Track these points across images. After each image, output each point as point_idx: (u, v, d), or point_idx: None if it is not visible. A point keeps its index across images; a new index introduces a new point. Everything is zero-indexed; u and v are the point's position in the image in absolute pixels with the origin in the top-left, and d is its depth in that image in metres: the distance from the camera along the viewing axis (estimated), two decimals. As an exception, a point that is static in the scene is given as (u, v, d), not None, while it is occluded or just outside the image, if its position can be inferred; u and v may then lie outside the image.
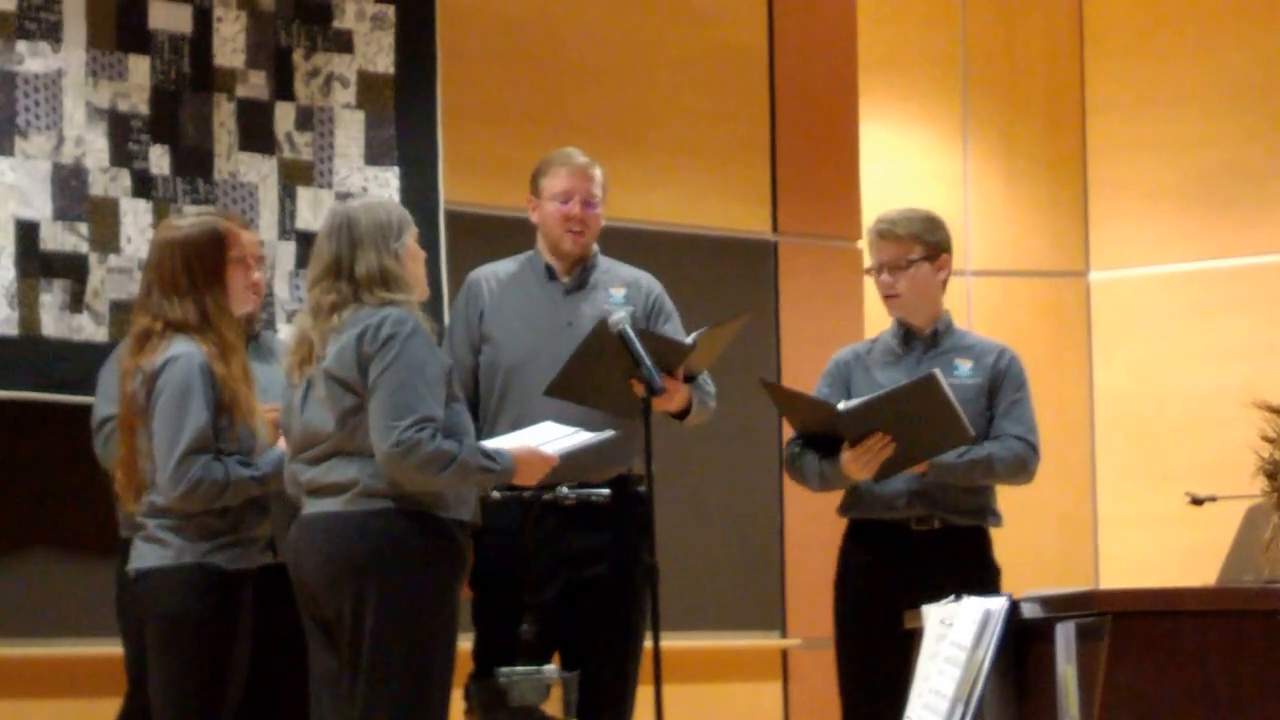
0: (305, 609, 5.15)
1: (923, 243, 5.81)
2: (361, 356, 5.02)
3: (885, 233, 5.82)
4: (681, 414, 5.75)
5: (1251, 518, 5.12)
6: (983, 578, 5.61)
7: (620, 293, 5.86)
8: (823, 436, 5.65)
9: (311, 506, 5.11)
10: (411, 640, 5.00)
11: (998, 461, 5.69)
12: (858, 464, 5.55)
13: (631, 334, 5.50)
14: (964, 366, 5.78)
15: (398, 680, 4.99)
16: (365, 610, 4.99)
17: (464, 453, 5.03)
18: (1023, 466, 5.74)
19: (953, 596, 4.47)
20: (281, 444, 5.28)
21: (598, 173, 5.88)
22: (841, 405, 5.60)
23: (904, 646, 5.47)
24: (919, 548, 5.69)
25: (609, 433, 5.48)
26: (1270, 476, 1.85)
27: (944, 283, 5.89)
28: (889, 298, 5.83)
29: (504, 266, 5.93)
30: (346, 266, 5.10)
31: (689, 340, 5.62)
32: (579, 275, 5.86)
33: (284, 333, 6.24)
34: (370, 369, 5.01)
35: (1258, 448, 1.83)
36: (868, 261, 5.93)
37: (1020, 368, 5.83)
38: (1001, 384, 5.78)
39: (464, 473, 5.04)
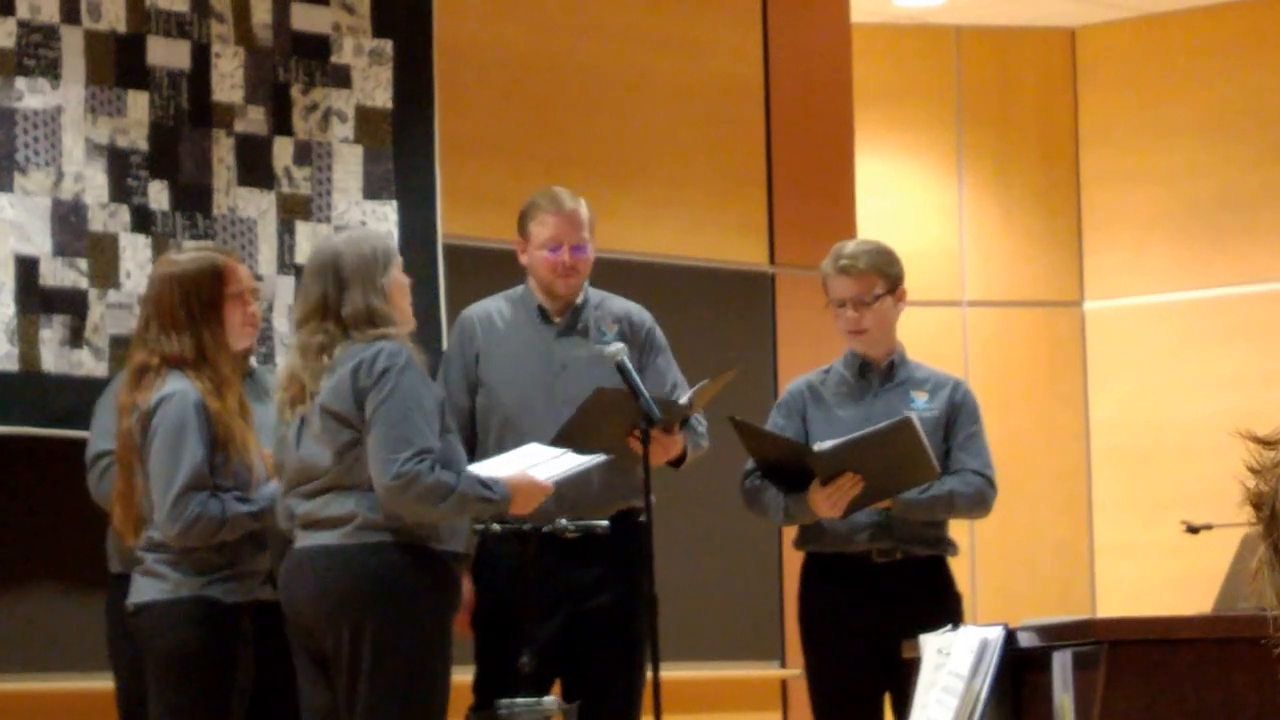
0: (298, 642, 5.16)
1: (884, 276, 5.80)
2: (357, 390, 5.05)
3: (848, 269, 5.78)
4: (677, 462, 5.81)
5: (1246, 546, 5.15)
6: (946, 606, 5.64)
7: (613, 330, 5.88)
8: (786, 471, 5.69)
9: (306, 540, 5.12)
10: (409, 672, 5.02)
11: (959, 497, 5.73)
12: (828, 502, 5.59)
13: (629, 365, 5.54)
14: (920, 399, 5.80)
15: (395, 712, 5.01)
16: (363, 643, 5.00)
17: (462, 484, 5.06)
18: (982, 500, 5.78)
19: (950, 626, 4.49)
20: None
21: (584, 213, 5.86)
22: (816, 446, 5.64)
23: (872, 676, 5.55)
24: (882, 580, 5.71)
25: (600, 456, 5.51)
26: (1256, 507, 1.88)
27: (899, 314, 5.91)
28: (855, 333, 5.83)
29: (496, 305, 5.92)
30: (333, 307, 5.13)
31: (684, 400, 5.67)
32: (571, 316, 5.87)
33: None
34: (366, 402, 5.04)
35: (1243, 478, 1.85)
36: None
37: (975, 401, 5.85)
38: (958, 417, 5.80)
39: (463, 503, 5.07)
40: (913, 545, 5.73)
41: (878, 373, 5.84)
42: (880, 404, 5.75)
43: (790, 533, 7.47)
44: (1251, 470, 1.87)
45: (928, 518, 5.72)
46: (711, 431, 5.92)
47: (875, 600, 5.66)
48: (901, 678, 4.97)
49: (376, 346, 5.08)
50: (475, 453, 5.73)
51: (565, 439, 5.55)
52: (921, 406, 5.77)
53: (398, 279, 5.20)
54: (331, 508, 5.08)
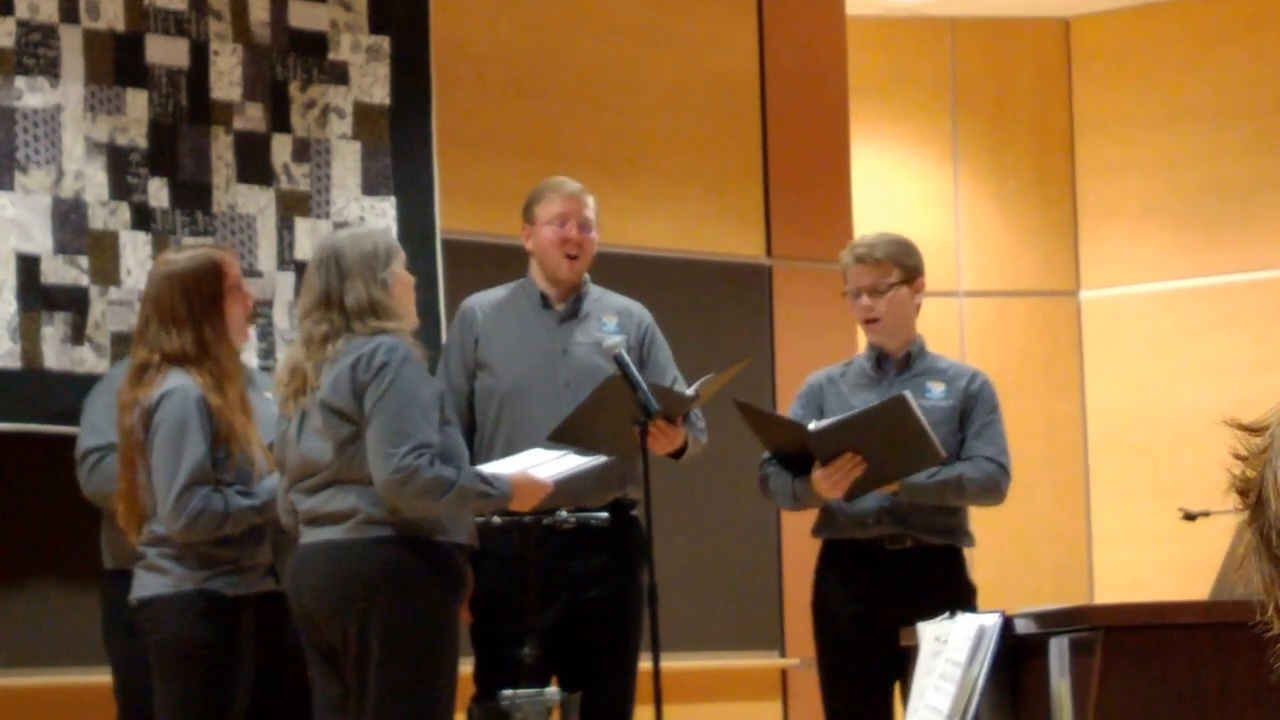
0: (307, 637, 5.19)
1: (900, 266, 5.83)
2: (356, 385, 5.08)
3: (864, 257, 5.82)
4: (677, 453, 5.84)
5: (1242, 533, 5.18)
6: (958, 597, 5.57)
7: (612, 321, 5.91)
8: (796, 456, 5.70)
9: (310, 535, 5.15)
10: (416, 663, 5.05)
11: (968, 481, 5.71)
12: (828, 482, 5.59)
13: (627, 358, 5.58)
14: (936, 389, 5.81)
15: (405, 703, 5.04)
16: (370, 636, 5.04)
17: (462, 478, 5.09)
18: (994, 487, 5.76)
19: (947, 614, 4.52)
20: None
21: (590, 199, 5.94)
22: (812, 425, 5.65)
23: (882, 664, 5.54)
24: (892, 567, 5.72)
25: (601, 458, 5.54)
26: (1242, 494, 1.91)
27: (918, 306, 5.93)
28: (869, 322, 5.85)
29: (497, 294, 5.98)
30: (336, 298, 5.16)
31: (690, 391, 5.69)
32: (572, 303, 5.92)
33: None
34: (365, 397, 5.07)
35: (1229, 465, 1.89)
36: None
37: (992, 391, 5.85)
38: (974, 407, 5.80)
39: (463, 498, 5.10)
40: (924, 533, 5.73)
41: (895, 363, 5.86)
42: (895, 393, 5.75)
43: (790, 524, 7.51)
44: (1238, 457, 1.89)
45: (936, 502, 5.71)
46: (712, 422, 5.93)
47: (885, 588, 5.66)
48: (910, 666, 4.99)
49: (375, 341, 5.10)
50: (474, 436, 5.77)
51: (568, 431, 5.58)
52: (937, 396, 5.77)
53: (401, 275, 5.23)
54: (333, 503, 5.11)
